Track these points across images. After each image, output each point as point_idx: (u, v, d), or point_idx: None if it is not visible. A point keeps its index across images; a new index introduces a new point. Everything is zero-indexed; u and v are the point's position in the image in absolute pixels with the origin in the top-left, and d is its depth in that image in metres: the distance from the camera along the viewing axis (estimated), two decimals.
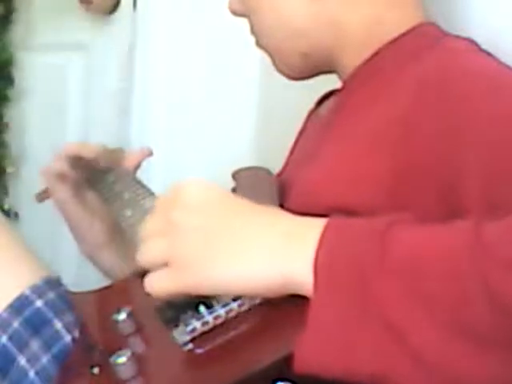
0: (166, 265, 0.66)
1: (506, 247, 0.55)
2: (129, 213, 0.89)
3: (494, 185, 0.67)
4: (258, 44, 0.95)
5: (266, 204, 0.68)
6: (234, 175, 0.92)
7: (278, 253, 0.62)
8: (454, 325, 0.55)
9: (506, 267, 0.54)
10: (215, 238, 0.64)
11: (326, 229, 0.61)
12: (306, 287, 0.60)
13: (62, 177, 1.04)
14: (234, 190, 0.90)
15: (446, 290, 0.55)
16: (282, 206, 0.77)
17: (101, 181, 1.01)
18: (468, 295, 0.54)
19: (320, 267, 0.59)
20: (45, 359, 0.78)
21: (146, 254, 0.68)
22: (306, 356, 0.58)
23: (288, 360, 0.58)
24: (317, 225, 0.62)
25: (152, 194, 0.90)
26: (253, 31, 0.94)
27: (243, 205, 0.68)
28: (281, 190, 0.86)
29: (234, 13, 0.95)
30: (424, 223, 0.61)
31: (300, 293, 0.61)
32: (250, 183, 0.91)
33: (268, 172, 0.94)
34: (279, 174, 1.02)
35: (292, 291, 0.61)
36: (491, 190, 0.67)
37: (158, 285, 0.66)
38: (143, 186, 0.94)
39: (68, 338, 0.79)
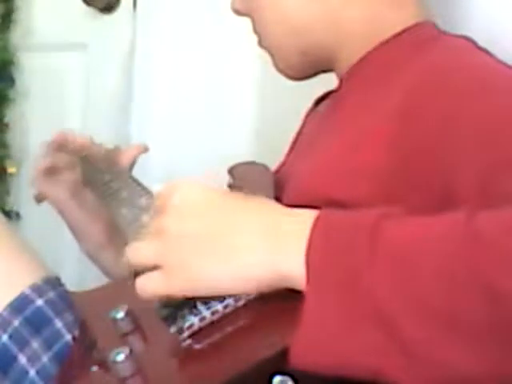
0: (156, 267, 0.66)
1: (501, 238, 0.54)
2: (125, 211, 0.89)
3: (490, 177, 0.66)
4: (261, 44, 0.95)
5: (261, 196, 0.68)
6: (230, 170, 0.92)
7: (269, 249, 0.62)
8: (447, 318, 0.54)
9: (501, 258, 0.53)
10: (207, 243, 0.64)
11: (317, 222, 0.61)
12: (299, 281, 0.60)
13: (51, 171, 1.05)
14: (230, 185, 0.90)
15: (438, 282, 0.55)
16: (277, 198, 0.77)
17: (97, 179, 1.01)
18: (461, 287, 0.54)
19: (312, 261, 0.59)
20: (45, 358, 0.78)
21: (136, 255, 0.69)
22: (301, 349, 0.58)
23: (286, 353, 0.58)
24: (308, 217, 0.62)
25: (148, 192, 0.90)
26: (255, 30, 0.95)
27: (234, 203, 0.67)
28: (277, 183, 0.86)
29: (237, 12, 0.95)
30: (416, 215, 0.60)
31: (293, 287, 0.61)
32: (245, 177, 0.91)
33: (264, 167, 0.94)
34: (277, 171, 1.02)
35: (285, 285, 0.62)
36: (487, 182, 0.66)
37: (150, 287, 0.66)
38: (139, 185, 0.94)
39: (68, 337, 0.79)
